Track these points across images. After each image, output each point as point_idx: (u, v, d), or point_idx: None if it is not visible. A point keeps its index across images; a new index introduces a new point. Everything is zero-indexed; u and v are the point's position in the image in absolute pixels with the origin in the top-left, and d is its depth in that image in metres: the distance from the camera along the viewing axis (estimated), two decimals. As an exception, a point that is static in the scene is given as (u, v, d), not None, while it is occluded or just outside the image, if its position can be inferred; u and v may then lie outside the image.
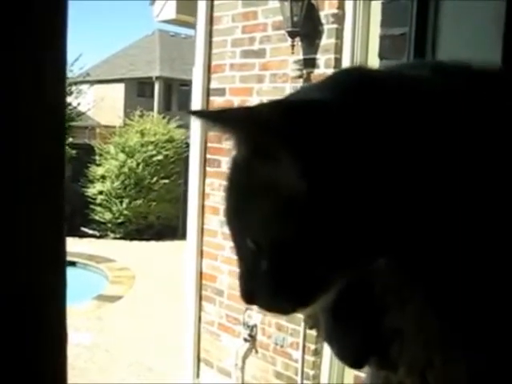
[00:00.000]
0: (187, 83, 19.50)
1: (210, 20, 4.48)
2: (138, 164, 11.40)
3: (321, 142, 0.45)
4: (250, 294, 0.51)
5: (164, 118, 12.72)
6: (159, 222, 11.67)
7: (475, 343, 0.44)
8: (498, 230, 0.44)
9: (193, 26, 5.14)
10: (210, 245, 4.61)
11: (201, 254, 4.69)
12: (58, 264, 0.50)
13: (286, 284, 0.48)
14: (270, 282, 0.49)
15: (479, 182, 0.44)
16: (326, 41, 3.80)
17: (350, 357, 0.52)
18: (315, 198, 0.45)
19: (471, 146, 0.45)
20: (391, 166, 0.44)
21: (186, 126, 11.49)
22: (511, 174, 0.45)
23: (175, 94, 22.21)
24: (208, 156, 4.63)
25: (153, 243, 11.16)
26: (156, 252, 10.32)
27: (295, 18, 3.78)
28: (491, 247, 0.44)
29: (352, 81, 0.49)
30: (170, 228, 11.54)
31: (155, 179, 11.48)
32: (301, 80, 3.91)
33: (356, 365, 0.52)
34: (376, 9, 3.69)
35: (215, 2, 4.45)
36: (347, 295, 0.49)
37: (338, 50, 3.76)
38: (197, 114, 0.51)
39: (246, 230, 0.50)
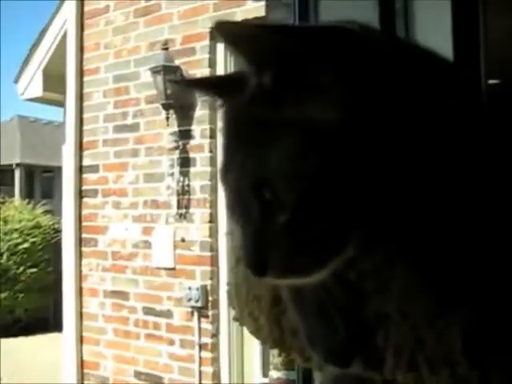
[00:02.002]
0: (50, 169, 18.79)
1: (80, 96, 4.40)
2: (1, 254, 10.61)
3: (366, 74, 0.43)
4: (262, 260, 0.44)
5: (29, 203, 12.10)
6: (27, 314, 10.80)
7: (464, 303, 0.42)
8: (474, 201, 0.44)
9: (60, 103, 5.03)
10: (91, 329, 4.33)
11: (80, 340, 4.38)
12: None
13: (308, 236, 0.43)
14: (289, 235, 0.43)
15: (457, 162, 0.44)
16: (200, 112, 3.87)
17: (337, 354, 0.47)
18: (347, 131, 0.42)
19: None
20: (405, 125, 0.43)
21: (53, 212, 10.98)
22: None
23: (37, 181, 21.31)
24: (84, 235, 4.43)
25: (22, 339, 10.25)
26: (26, 348, 9.48)
27: (169, 91, 3.83)
28: (466, 215, 0.43)
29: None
30: (40, 320, 10.71)
31: (22, 268, 10.70)
32: (177, 152, 3.92)
33: (344, 362, 0.48)
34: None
35: (85, 79, 4.39)
36: (323, 290, 0.45)
37: (213, 120, 3.84)
38: (221, 26, 0.43)
39: (260, 179, 0.44)
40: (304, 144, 0.43)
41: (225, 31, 0.44)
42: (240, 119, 0.47)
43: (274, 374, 1.71)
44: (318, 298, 0.47)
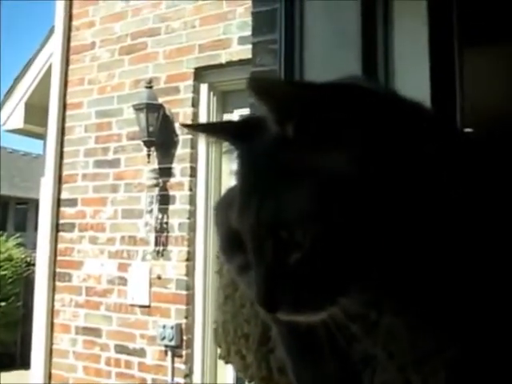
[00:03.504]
0: (25, 201, 18.53)
1: (62, 130, 4.41)
2: (-30, 286, 10.37)
3: (379, 130, 0.46)
4: (274, 297, 0.46)
5: (1, 235, 11.90)
6: (-7, 350, 10.50)
7: (449, 349, 0.44)
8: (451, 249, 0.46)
9: (41, 136, 5.02)
10: (60, 367, 4.23)
11: (49, 377, 4.27)
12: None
13: (316, 276, 0.45)
14: (300, 274, 0.45)
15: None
16: (182, 150, 3.90)
17: None
18: (361, 182, 0.45)
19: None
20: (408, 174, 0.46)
21: (26, 245, 10.82)
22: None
23: (11, 212, 21.00)
24: (58, 270, 4.37)
25: (-15, 376, 9.94)
26: (-10, 385, 9.18)
27: (151, 128, 3.87)
28: (443, 255, 0.46)
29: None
30: (5, 357, 10.39)
31: (-10, 302, 10.46)
32: (157, 189, 3.93)
33: None
34: (229, 119, 3.91)
35: (67, 113, 4.41)
36: (311, 334, 0.47)
37: (194, 159, 3.88)
38: (253, 80, 0.46)
39: (277, 221, 0.46)
40: (322, 191, 0.45)
41: (255, 84, 0.47)
42: (260, 164, 0.49)
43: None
44: (308, 337, 0.48)
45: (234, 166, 0.53)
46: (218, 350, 0.68)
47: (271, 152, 0.49)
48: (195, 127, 0.61)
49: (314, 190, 0.45)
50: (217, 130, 0.59)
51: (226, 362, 0.63)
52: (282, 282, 0.46)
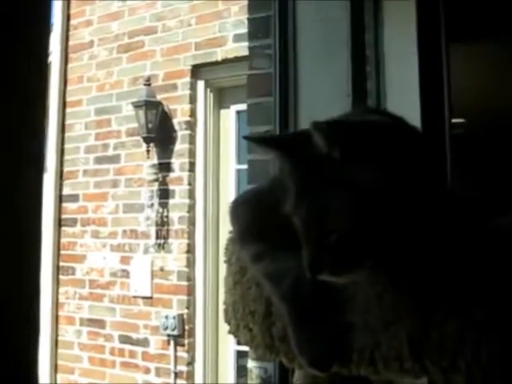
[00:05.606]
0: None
1: (62, 128, 4.52)
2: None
3: (396, 158, 0.64)
4: (319, 263, 0.62)
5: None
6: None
7: (409, 316, 0.58)
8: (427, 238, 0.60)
9: (41, 134, 5.12)
10: (66, 358, 4.36)
11: (55, 368, 4.40)
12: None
13: (348, 251, 0.62)
14: (337, 249, 0.62)
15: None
16: (180, 146, 4.01)
17: (321, 361, 0.63)
18: (379, 190, 0.62)
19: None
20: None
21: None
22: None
23: (9, 207, 21.09)
24: (61, 264, 4.49)
25: (-11, 369, 10.06)
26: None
27: (150, 125, 3.97)
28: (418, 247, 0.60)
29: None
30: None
31: (-8, 297, 10.56)
32: (156, 183, 4.04)
33: (325, 367, 0.63)
34: (225, 116, 4.03)
35: (67, 110, 4.51)
36: (310, 310, 0.61)
37: (192, 154, 3.99)
38: (320, 127, 0.63)
39: (322, 214, 0.63)
40: (354, 195, 0.62)
41: (316, 125, 0.64)
42: (311, 173, 0.66)
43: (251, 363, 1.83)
44: (308, 313, 0.63)
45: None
46: (226, 329, 0.80)
47: (320, 165, 0.65)
48: (255, 140, 0.79)
49: (349, 194, 0.62)
50: (271, 143, 0.74)
51: (235, 336, 0.76)
52: (324, 255, 0.63)
